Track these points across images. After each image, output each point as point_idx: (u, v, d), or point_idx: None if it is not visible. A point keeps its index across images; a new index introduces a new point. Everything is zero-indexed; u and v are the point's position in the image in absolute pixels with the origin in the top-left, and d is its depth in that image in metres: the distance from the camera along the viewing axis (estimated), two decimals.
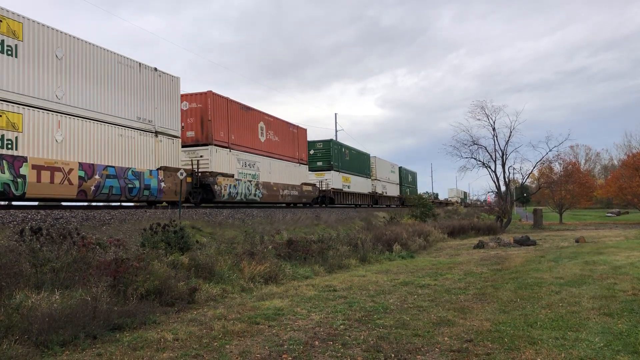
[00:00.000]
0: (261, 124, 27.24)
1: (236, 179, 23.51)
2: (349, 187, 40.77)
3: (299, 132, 33.04)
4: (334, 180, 37.54)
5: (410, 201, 55.14)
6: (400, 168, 61.34)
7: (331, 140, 39.49)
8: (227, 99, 23.83)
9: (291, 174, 30.50)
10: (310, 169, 35.56)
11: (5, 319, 6.40)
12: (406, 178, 64.87)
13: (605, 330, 6.77)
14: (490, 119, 39.37)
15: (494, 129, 39.41)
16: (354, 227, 27.81)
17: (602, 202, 73.35)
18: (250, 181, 24.93)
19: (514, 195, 50.94)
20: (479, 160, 39.77)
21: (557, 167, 50.56)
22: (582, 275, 11.54)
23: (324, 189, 36.07)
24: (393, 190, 56.42)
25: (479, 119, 40.73)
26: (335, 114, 64.72)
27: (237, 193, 23.22)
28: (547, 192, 51.80)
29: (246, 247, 13.80)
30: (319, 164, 37.76)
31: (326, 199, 35.92)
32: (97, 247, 10.65)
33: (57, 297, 7.61)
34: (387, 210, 43.01)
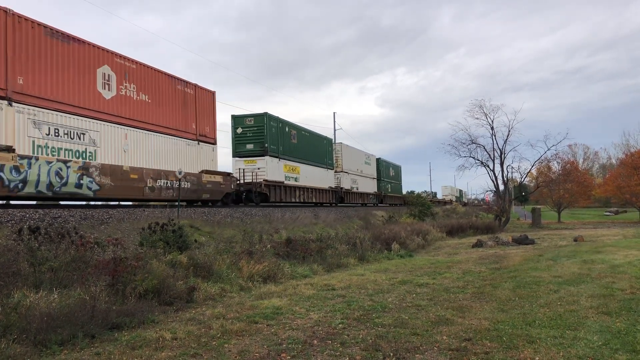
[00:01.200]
0: (105, 70, 17.14)
1: (23, 157, 13.82)
2: (296, 179, 31.77)
3: (198, 94, 22.43)
4: (271, 169, 28.28)
5: (392, 199, 52.83)
6: (379, 160, 53.72)
7: (265, 114, 28.56)
8: (4, 10, 13.82)
9: (179, 156, 20.81)
10: (238, 154, 28.52)
11: (3, 318, 6.39)
12: (386, 172, 56.82)
13: (604, 329, 6.77)
14: (488, 118, 39.45)
15: (492, 128, 39.49)
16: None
17: (600, 201, 73.43)
18: (66, 162, 15.13)
19: (512, 194, 50.99)
20: (478, 159, 39.86)
21: (555, 166, 50.63)
22: (581, 274, 11.55)
23: (250, 180, 27.26)
24: (368, 186, 48.01)
25: (477, 118, 40.68)
26: (334, 113, 64.12)
27: (23, 181, 13.70)
28: (545, 191, 51.83)
29: (245, 246, 13.80)
30: (250, 146, 28.39)
31: (254, 194, 26.96)
32: (96, 246, 10.63)
33: (55, 296, 7.60)
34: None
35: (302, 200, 32.93)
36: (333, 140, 41.60)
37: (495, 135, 39.66)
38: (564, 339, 6.40)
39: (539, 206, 52.72)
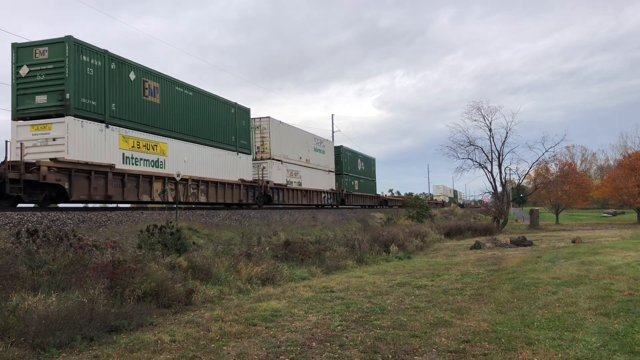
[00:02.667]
0: None
1: None
2: (158, 164, 18.98)
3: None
4: (81, 142, 15.75)
5: (360, 199, 44.43)
6: (339, 148, 42.46)
7: (69, 38, 15.43)
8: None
9: None
10: (22, 114, 15.83)
11: (1, 322, 6.38)
12: (351, 164, 44.90)
13: (602, 330, 6.78)
14: (486, 120, 39.46)
15: (490, 130, 39.49)
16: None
17: (598, 203, 73.47)
18: None
19: (510, 196, 51.04)
20: (476, 161, 39.85)
21: (553, 168, 50.64)
22: (579, 276, 11.57)
23: (34, 161, 14.32)
24: (318, 181, 35.87)
25: (475, 120, 40.73)
26: (332, 114, 63.87)
27: None
28: (543, 193, 51.84)
29: (243, 249, 13.80)
30: (41, 100, 15.67)
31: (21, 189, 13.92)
32: (94, 249, 10.63)
33: (53, 299, 7.59)
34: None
35: (186, 200, 20.37)
36: (247, 108, 26.82)
37: (493, 137, 39.70)
38: (562, 340, 6.41)
39: (536, 208, 52.73)
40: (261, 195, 27.10)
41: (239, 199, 24.88)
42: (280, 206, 29.36)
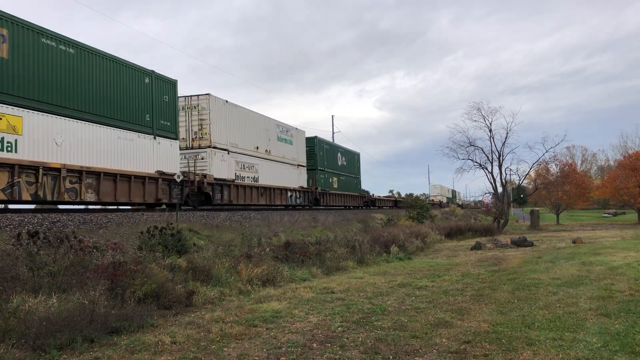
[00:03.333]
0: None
1: None
2: (5, 145, 13.22)
3: None
4: None
5: (340, 199, 39.15)
6: (313, 140, 36.04)
7: None
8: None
9: None
10: None
11: (2, 323, 6.38)
12: (329, 159, 38.63)
13: (603, 331, 6.78)
14: (486, 120, 39.44)
15: (490, 130, 39.48)
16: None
17: (598, 203, 73.46)
18: None
19: (510, 197, 51.03)
20: (476, 162, 39.81)
21: (553, 168, 50.63)
22: (579, 276, 11.57)
23: None
24: (284, 177, 29.93)
25: (475, 121, 40.72)
26: (332, 115, 64.04)
27: None
28: (543, 193, 51.85)
29: (244, 250, 13.80)
30: None
31: None
32: (94, 250, 10.64)
33: (54, 300, 7.60)
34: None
35: (59, 198, 14.80)
36: (173, 80, 20.63)
37: (493, 138, 39.68)
38: (563, 340, 6.41)
39: (537, 208, 52.71)
40: (195, 193, 21.16)
41: (155, 198, 18.83)
42: (226, 207, 23.81)
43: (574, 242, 22.98)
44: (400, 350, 6.20)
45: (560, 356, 5.79)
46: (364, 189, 49.69)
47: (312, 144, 35.78)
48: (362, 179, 47.84)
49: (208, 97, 22.72)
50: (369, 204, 50.50)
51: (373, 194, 55.26)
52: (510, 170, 48.34)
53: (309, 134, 35.55)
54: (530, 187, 57.85)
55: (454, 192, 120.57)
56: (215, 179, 22.25)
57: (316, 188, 34.51)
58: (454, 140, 39.82)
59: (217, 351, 6.32)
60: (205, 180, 21.40)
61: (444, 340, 6.65)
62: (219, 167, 22.94)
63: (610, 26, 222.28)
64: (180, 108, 21.84)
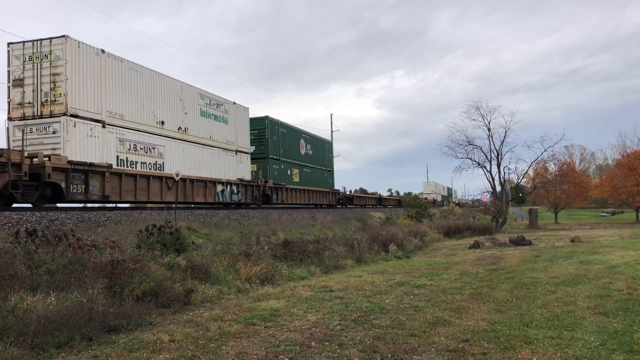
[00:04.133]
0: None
1: None
2: None
3: None
4: None
5: (302, 195, 31.52)
6: (266, 120, 28.79)
7: None
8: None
9: None
10: None
11: (0, 322, 6.37)
12: (288, 146, 31.29)
13: (601, 330, 6.79)
14: (485, 119, 39.44)
15: (489, 129, 39.48)
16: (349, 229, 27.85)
17: (597, 202, 73.54)
18: None
19: (509, 195, 51.06)
20: (475, 161, 39.82)
21: (552, 167, 50.66)
22: (578, 275, 11.59)
23: None
24: (217, 165, 23.38)
25: (474, 119, 40.63)
26: (331, 114, 63.12)
27: None
28: (542, 192, 51.91)
29: (242, 248, 13.79)
30: None
31: None
32: (93, 248, 10.62)
33: (52, 299, 7.59)
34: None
35: None
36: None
37: (492, 137, 39.68)
38: (561, 339, 6.42)
39: (535, 207, 52.77)
40: (27, 183, 14.04)
41: None
42: (88, 206, 18.22)
43: (572, 241, 23.01)
44: (399, 349, 6.20)
45: (559, 355, 5.80)
46: (340, 187, 43.30)
47: (262, 125, 28.48)
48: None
49: (64, 40, 15.41)
50: (343, 202, 43.97)
51: (350, 191, 48.56)
52: (509, 169, 48.34)
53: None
54: (529, 186, 57.95)
55: (449, 189, 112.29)
56: (72, 162, 15.14)
57: (266, 181, 27.32)
58: (453, 139, 39.85)
59: (216, 349, 6.32)
60: (46, 165, 14.21)
61: (442, 338, 6.65)
62: (84, 146, 15.95)
63: (609, 26, 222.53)
64: (27, 58, 15.72)
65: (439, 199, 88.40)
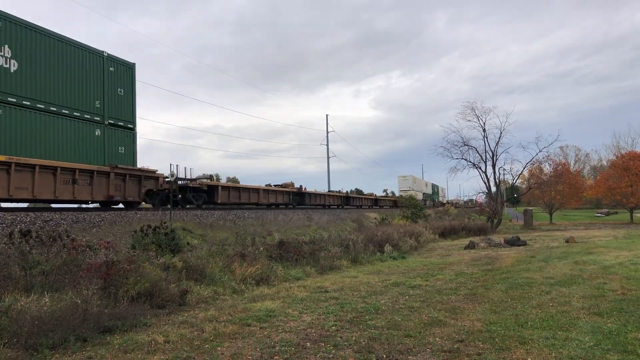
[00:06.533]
0: None
1: None
2: None
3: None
4: None
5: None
6: None
7: None
8: None
9: None
10: None
11: None
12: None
13: (595, 330, 6.82)
14: (480, 120, 39.66)
15: (484, 130, 39.69)
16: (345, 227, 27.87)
17: (591, 203, 73.91)
18: None
19: (504, 196, 51.23)
20: (470, 161, 40.00)
21: (547, 168, 50.94)
22: (572, 275, 11.63)
23: None
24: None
25: (469, 120, 41.02)
26: (327, 115, 62.83)
27: None
28: (537, 193, 52.12)
29: (237, 249, 13.77)
30: None
31: None
32: (87, 249, 10.58)
33: (46, 300, 7.54)
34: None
35: None
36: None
37: (487, 137, 39.92)
38: (555, 339, 6.43)
39: (530, 208, 52.98)
40: None
41: None
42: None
43: (567, 241, 23.10)
44: (394, 349, 6.21)
45: (553, 355, 5.82)
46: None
47: None
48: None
49: None
50: (205, 201, 23.78)
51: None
52: (504, 169, 48.52)
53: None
54: (524, 186, 58.10)
55: (434, 186, 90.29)
56: None
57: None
58: (448, 140, 40.05)
59: (211, 350, 6.30)
60: None
61: (437, 339, 6.66)
62: None
63: (603, 28, 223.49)
64: None
65: (420, 197, 67.89)
